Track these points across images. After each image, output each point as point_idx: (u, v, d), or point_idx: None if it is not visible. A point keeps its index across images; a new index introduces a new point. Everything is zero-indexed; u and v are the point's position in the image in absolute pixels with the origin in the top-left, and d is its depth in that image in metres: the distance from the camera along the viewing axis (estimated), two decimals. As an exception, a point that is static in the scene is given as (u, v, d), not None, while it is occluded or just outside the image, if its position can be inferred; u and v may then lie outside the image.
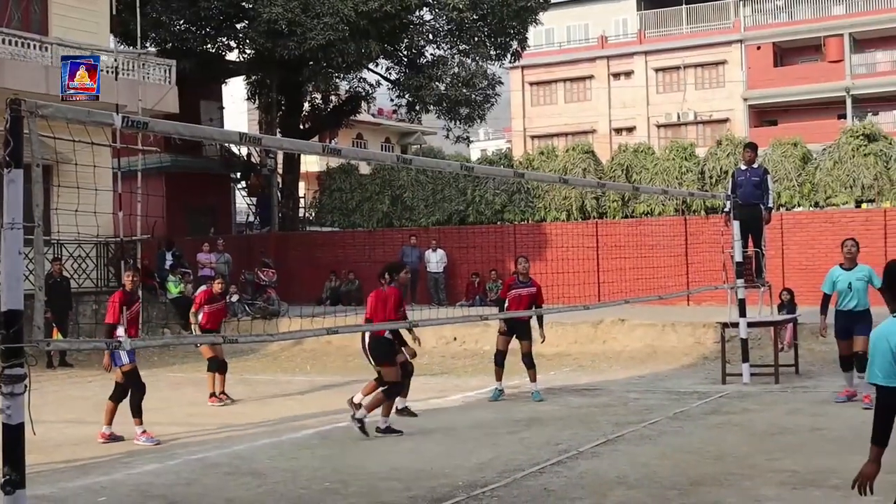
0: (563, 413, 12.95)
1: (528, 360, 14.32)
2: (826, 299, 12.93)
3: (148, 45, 29.67)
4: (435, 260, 27.28)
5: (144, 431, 11.63)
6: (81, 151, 17.25)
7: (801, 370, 16.00)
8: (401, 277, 12.13)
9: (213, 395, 14.96)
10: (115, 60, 23.34)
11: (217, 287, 15.32)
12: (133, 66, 24.30)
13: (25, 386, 5.42)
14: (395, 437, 11.49)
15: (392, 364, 11.67)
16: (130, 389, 11.73)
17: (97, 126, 6.20)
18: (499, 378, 14.41)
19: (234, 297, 25.70)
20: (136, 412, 11.71)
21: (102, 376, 16.25)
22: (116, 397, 11.87)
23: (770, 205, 16.46)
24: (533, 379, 14.37)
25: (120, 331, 11.45)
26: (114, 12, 25.81)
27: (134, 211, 21.83)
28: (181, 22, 30.97)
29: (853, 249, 12.78)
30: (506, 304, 14.44)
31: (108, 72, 23.06)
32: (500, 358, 14.42)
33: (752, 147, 16.73)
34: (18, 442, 5.48)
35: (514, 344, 14.40)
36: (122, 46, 27.76)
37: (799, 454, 9.75)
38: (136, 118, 6.41)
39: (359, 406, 11.67)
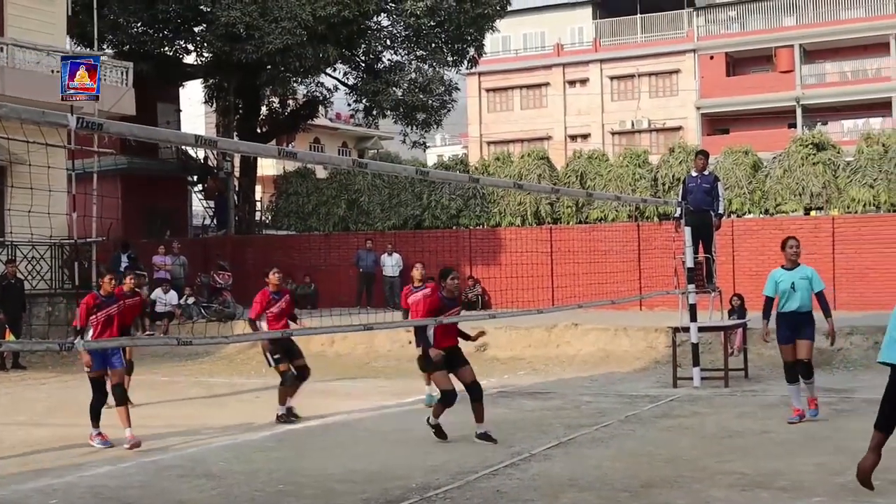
0: (516, 416, 13.04)
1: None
2: (769, 303, 12.15)
3: (105, 46, 29.50)
4: (391, 264, 27.33)
5: (100, 434, 11.52)
6: (36, 153, 17.15)
7: (751, 374, 16.22)
8: (448, 283, 11.30)
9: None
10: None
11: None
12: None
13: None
14: (352, 440, 11.54)
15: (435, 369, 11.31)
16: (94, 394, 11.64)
17: (52, 127, 6.19)
18: (429, 383, 14.03)
19: (191, 300, 25.63)
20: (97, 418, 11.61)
21: (56, 378, 16.20)
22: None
23: (721, 211, 16.68)
24: (428, 382, 14.00)
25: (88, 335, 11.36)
26: (70, 14, 25.64)
27: (89, 213, 21.68)
28: (139, 24, 30.79)
29: (797, 249, 12.06)
30: (409, 313, 14.18)
31: (63, 73, 22.92)
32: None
33: (703, 154, 16.93)
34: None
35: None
36: (79, 48, 27.60)
37: (748, 457, 9.91)
38: (91, 119, 6.41)
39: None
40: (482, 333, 12.43)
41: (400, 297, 26.32)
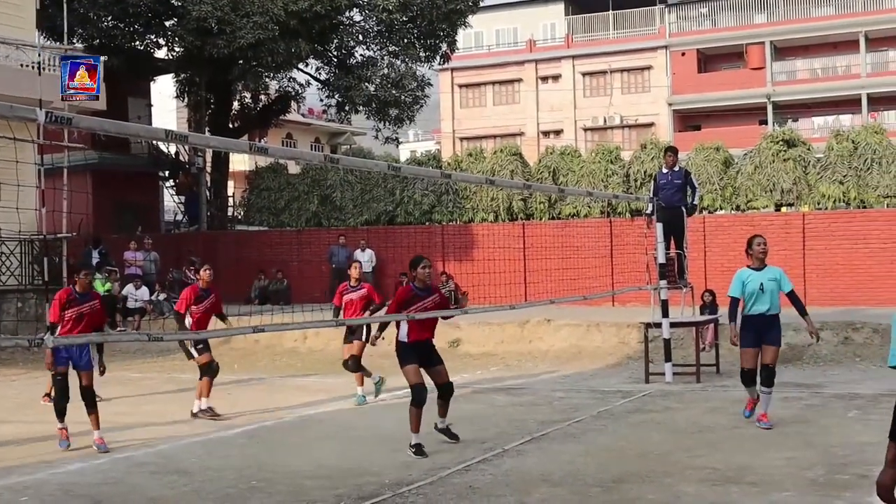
0: (488, 412, 13.07)
1: (355, 365, 14.03)
2: (735, 304, 11.35)
3: (75, 41, 29.24)
4: (364, 260, 27.26)
5: (63, 429, 11.16)
6: (4, 147, 16.97)
7: (722, 369, 16.30)
8: (418, 272, 10.64)
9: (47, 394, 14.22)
10: (40, 56, 22.97)
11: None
12: (59, 62, 23.94)
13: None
14: (324, 436, 11.53)
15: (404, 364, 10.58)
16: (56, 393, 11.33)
17: (20, 121, 6.13)
18: (361, 383, 14.21)
19: (162, 296, 25.49)
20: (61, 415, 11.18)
21: (26, 375, 16.08)
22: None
23: (694, 203, 16.78)
24: (361, 383, 14.18)
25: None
26: (40, 7, 25.41)
27: (59, 208, 21.50)
28: (109, 18, 30.57)
29: (765, 248, 11.30)
30: (341, 311, 13.99)
31: (32, 67, 22.71)
32: (351, 365, 14.13)
33: (672, 151, 16.97)
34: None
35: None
36: (49, 42, 27.34)
37: (718, 452, 9.97)
38: (60, 114, 6.36)
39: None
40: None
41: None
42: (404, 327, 10.60)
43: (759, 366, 11.17)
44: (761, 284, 11.05)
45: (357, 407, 13.91)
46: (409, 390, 10.39)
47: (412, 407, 10.29)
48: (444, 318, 11.33)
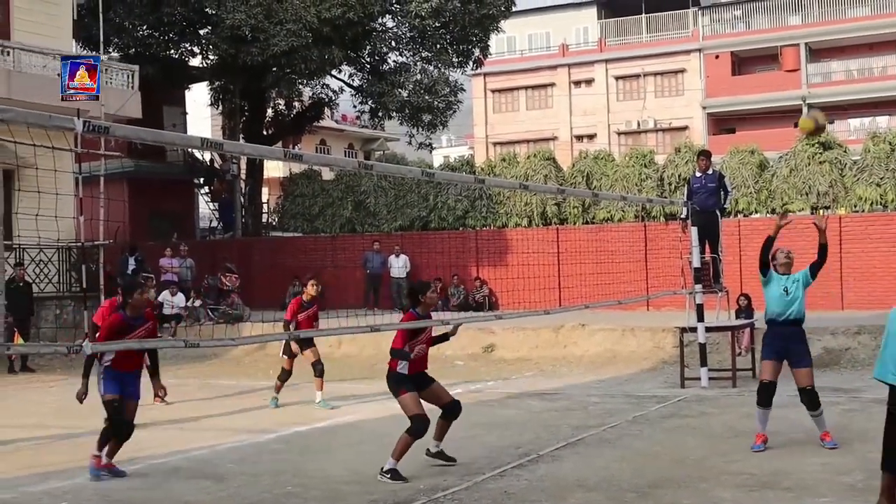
0: (523, 417, 13.05)
1: (320, 369, 14.59)
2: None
3: (111, 50, 29.57)
4: (398, 265, 27.35)
5: (98, 457, 10.00)
6: (43, 156, 17.15)
7: (758, 374, 16.14)
8: (427, 298, 10.11)
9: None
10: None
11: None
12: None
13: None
14: (358, 441, 11.56)
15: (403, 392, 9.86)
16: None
17: (58, 131, 6.20)
18: (278, 391, 14.83)
19: (198, 302, 25.67)
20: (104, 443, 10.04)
21: (64, 381, 16.24)
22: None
23: (726, 205, 16.73)
24: (320, 388, 14.66)
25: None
26: (76, 17, 25.70)
27: (96, 216, 21.71)
28: (144, 27, 30.85)
29: (791, 257, 10.74)
30: (296, 324, 14.35)
31: (69, 76, 22.96)
32: (286, 376, 14.84)
33: (705, 155, 16.88)
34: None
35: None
36: (85, 51, 27.63)
37: (755, 457, 9.91)
38: (97, 123, 6.43)
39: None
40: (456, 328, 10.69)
41: (407, 297, 26.74)
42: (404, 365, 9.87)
43: (776, 382, 10.47)
44: (785, 288, 10.50)
45: (391, 412, 13.90)
46: (410, 426, 9.51)
47: (409, 437, 9.46)
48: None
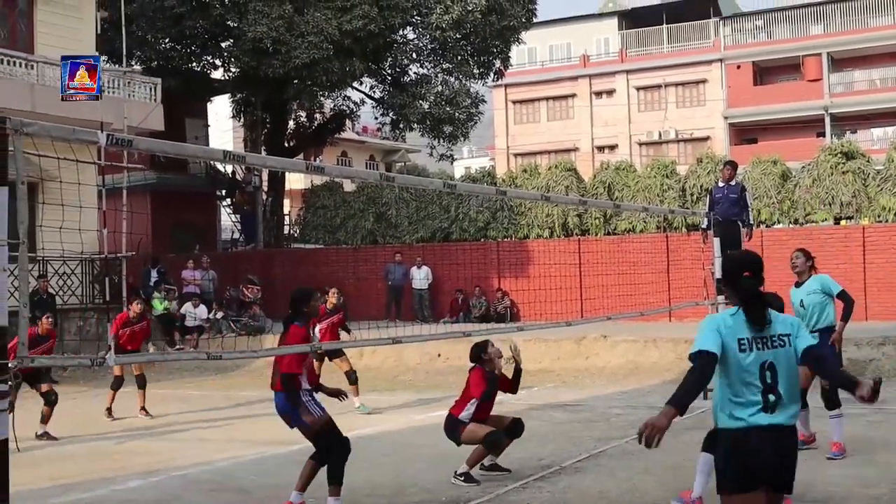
0: (545, 429, 13.01)
1: (354, 377, 15.10)
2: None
3: (133, 63, 29.73)
4: (420, 277, 27.37)
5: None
6: (66, 169, 17.22)
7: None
8: (490, 354, 10.29)
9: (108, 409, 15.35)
10: (101, 79, 23.37)
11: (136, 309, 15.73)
12: (118, 85, 24.37)
13: (10, 403, 5.44)
14: (379, 454, 11.55)
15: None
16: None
17: (82, 144, 6.24)
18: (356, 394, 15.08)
19: (220, 314, 25.74)
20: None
21: (87, 392, 16.30)
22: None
23: (750, 221, 16.55)
24: (356, 394, 15.03)
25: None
26: (99, 31, 25.87)
27: (119, 228, 21.82)
28: (166, 40, 31.05)
29: (796, 262, 10.80)
30: (317, 333, 14.89)
31: (92, 90, 23.10)
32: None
33: (731, 165, 16.79)
34: (2, 458, 5.50)
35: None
36: (108, 65, 27.81)
37: (778, 468, 9.82)
38: (120, 136, 6.47)
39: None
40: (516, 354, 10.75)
41: (429, 308, 26.77)
42: (471, 409, 9.97)
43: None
44: (801, 301, 10.55)
45: (413, 424, 13.91)
46: (487, 439, 9.72)
47: (486, 448, 9.76)
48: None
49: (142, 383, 15.51)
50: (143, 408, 15.52)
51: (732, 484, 5.18)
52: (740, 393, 5.22)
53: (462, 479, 9.68)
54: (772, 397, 5.19)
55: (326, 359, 14.95)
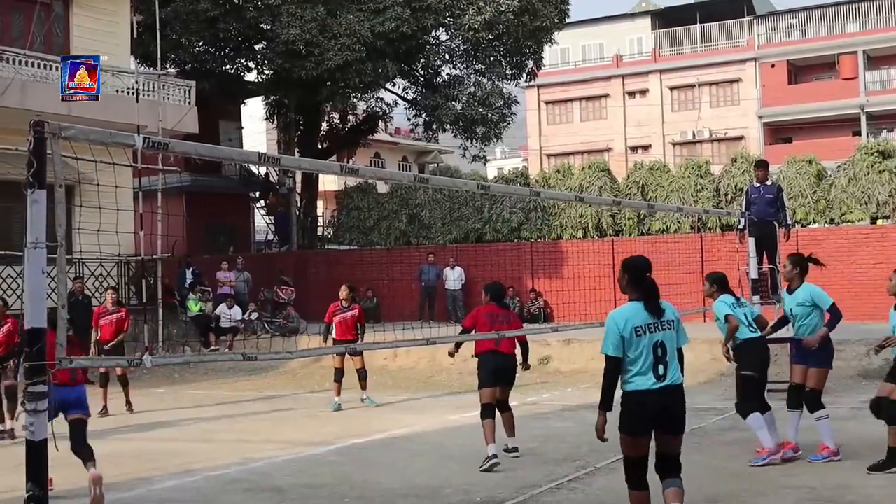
0: (579, 429, 12.96)
1: (363, 375, 16.10)
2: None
3: (168, 66, 29.95)
4: (453, 278, 27.37)
5: None
6: (103, 172, 17.36)
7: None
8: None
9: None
10: (136, 82, 23.57)
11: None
12: (153, 88, 24.54)
13: (49, 403, 5.50)
14: (414, 454, 11.58)
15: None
16: None
17: (118, 147, 6.30)
18: (338, 393, 15.93)
19: (255, 315, 25.86)
20: None
21: (122, 393, 16.44)
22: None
23: (788, 222, 16.40)
24: (364, 388, 16.13)
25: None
26: (134, 35, 26.08)
27: (154, 230, 21.99)
28: (200, 43, 31.23)
29: (785, 268, 10.85)
30: (333, 328, 15.96)
31: (128, 93, 23.31)
32: (339, 375, 15.99)
33: (763, 165, 16.63)
34: (41, 458, 5.55)
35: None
36: (143, 68, 28.04)
37: (815, 470, 9.77)
38: (156, 139, 6.51)
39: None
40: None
41: (462, 309, 26.76)
42: None
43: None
44: (791, 309, 10.61)
45: (447, 425, 13.93)
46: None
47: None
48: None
49: (124, 382, 16.46)
50: (128, 402, 16.33)
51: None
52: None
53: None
54: (661, 368, 6.83)
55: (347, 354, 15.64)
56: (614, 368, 6.85)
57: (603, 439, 7.07)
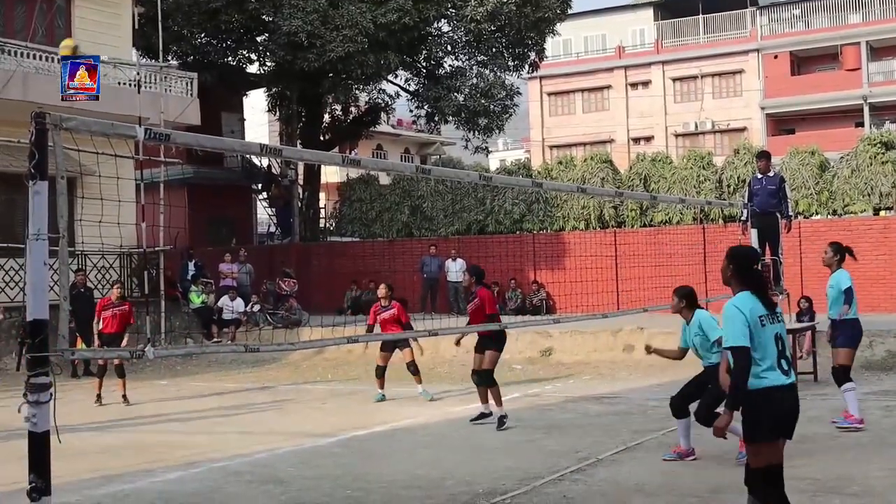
0: (582, 421, 12.99)
1: (414, 368, 15.81)
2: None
3: (170, 58, 29.93)
4: (455, 269, 27.32)
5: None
6: (105, 163, 17.46)
7: (820, 378, 15.93)
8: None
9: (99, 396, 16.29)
10: (138, 73, 23.55)
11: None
12: (155, 79, 24.52)
13: (51, 394, 5.49)
14: (416, 446, 11.58)
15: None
16: None
17: (120, 138, 6.28)
18: (381, 386, 15.76)
19: (257, 307, 25.87)
20: None
21: (127, 385, 16.45)
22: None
23: (789, 213, 16.38)
24: (419, 382, 15.84)
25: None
26: (136, 26, 26.07)
27: (156, 222, 21.98)
28: (202, 35, 31.23)
29: (824, 255, 11.76)
30: (377, 329, 15.60)
31: (130, 85, 23.29)
32: (380, 371, 15.79)
33: (765, 156, 16.61)
34: (44, 450, 5.54)
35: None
36: (145, 59, 28.01)
37: (819, 462, 9.76)
38: (158, 130, 6.49)
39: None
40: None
41: (464, 301, 26.73)
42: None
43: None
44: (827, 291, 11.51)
45: (450, 416, 13.94)
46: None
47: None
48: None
49: (120, 374, 16.38)
50: (124, 395, 16.30)
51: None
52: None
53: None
54: (784, 363, 6.34)
55: (397, 349, 15.78)
56: (747, 361, 6.15)
57: (725, 437, 6.69)
